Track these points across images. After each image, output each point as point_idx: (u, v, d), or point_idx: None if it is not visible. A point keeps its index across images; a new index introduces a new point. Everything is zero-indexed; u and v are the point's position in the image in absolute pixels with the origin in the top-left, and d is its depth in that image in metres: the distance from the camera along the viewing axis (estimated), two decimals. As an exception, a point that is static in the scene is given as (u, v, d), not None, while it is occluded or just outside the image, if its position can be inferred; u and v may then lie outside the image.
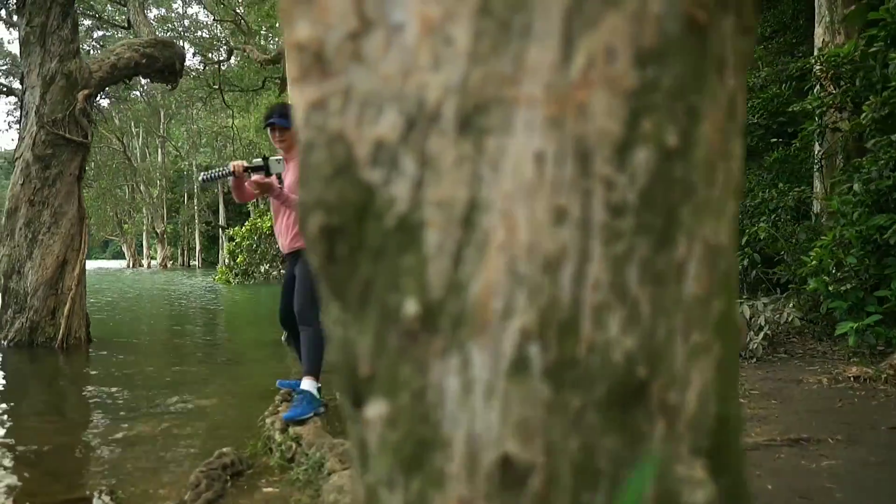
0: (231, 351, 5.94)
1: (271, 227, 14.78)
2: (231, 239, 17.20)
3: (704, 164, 0.57)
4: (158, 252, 35.54)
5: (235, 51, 10.72)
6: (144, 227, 37.06)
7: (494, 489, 0.53)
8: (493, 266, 0.50)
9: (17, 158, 5.79)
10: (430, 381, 0.52)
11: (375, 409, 0.55)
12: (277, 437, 2.64)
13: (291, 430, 2.61)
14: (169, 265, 35.04)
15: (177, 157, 35.44)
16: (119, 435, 3.06)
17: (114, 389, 4.24)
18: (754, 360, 4.56)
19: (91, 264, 37.15)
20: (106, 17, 14.35)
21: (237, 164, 3.13)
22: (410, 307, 0.51)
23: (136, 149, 33.78)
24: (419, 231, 0.51)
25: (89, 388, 4.27)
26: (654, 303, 0.54)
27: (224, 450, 2.41)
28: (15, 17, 8.76)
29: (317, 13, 0.51)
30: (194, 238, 36.49)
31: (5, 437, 3.05)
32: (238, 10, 10.41)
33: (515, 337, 0.51)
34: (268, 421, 2.91)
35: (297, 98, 0.55)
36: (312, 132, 0.53)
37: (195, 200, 35.46)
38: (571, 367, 0.52)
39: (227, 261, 16.94)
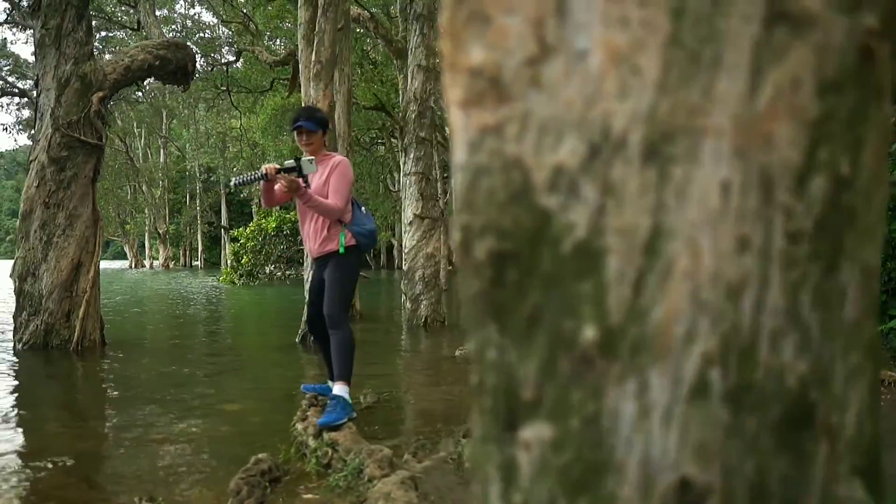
0: (245, 354, 5.94)
1: (276, 227, 14.75)
2: (235, 240, 17.19)
3: (865, 190, 0.57)
4: (160, 252, 35.53)
5: (244, 52, 10.73)
6: (146, 228, 37.04)
7: (669, 512, 0.53)
8: (676, 293, 0.50)
9: (31, 161, 5.79)
10: (604, 406, 0.53)
11: (537, 433, 0.56)
12: (311, 442, 2.64)
13: (326, 435, 2.61)
14: (171, 266, 35.02)
15: (179, 158, 35.43)
16: (147, 439, 3.06)
17: (134, 393, 4.25)
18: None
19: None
20: (115, 19, 14.35)
21: (270, 166, 3.12)
22: (588, 333, 0.52)
23: (138, 149, 33.77)
24: (599, 258, 0.51)
25: (109, 391, 4.28)
26: (822, 327, 0.55)
27: (261, 456, 2.42)
28: (23, 20, 8.76)
29: (493, 37, 0.51)
30: (196, 239, 36.47)
31: (33, 442, 3.05)
32: (245, 11, 10.42)
33: (697, 362, 0.51)
34: (299, 426, 2.91)
35: (461, 121, 0.56)
36: (485, 157, 0.53)
37: (197, 201, 35.45)
38: (749, 391, 0.53)
39: (229, 262, 16.94)
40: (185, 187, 36.81)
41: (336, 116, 7.29)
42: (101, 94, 5.84)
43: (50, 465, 2.65)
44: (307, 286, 6.10)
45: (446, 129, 17.40)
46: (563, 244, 0.52)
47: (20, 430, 3.25)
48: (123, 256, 45.78)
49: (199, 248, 36.12)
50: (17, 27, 10.68)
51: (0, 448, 2.92)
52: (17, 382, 4.47)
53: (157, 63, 6.38)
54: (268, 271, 16.59)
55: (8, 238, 65.39)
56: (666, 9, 0.48)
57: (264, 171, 3.08)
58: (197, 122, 30.56)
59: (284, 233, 16.17)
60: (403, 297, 7.65)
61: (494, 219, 0.53)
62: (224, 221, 33.98)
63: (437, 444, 2.81)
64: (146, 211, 35.33)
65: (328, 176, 3.12)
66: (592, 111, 0.50)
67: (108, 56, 8.96)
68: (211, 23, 12.73)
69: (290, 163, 3.16)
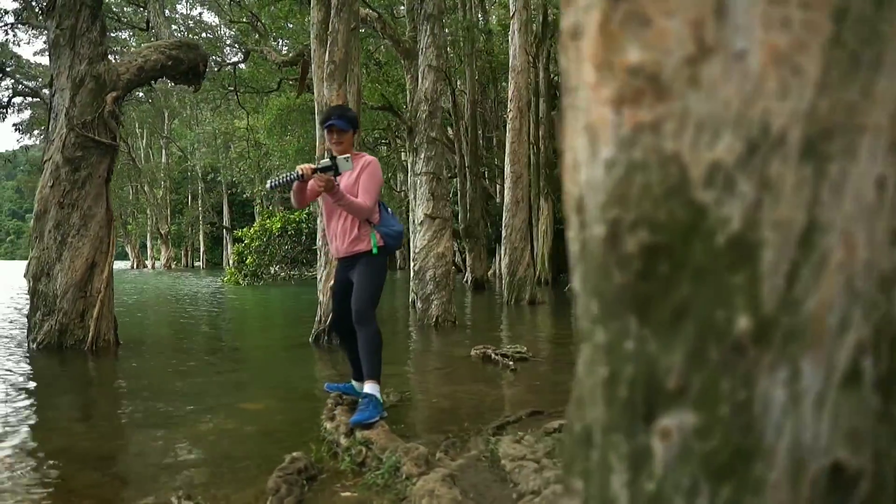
0: (260, 353, 5.96)
1: (281, 227, 14.70)
2: (239, 240, 17.19)
3: None
4: (162, 253, 35.51)
5: (252, 52, 10.75)
6: (148, 228, 37.02)
7: (819, 495, 0.55)
8: (830, 283, 0.52)
9: (46, 161, 5.80)
10: (755, 393, 0.54)
11: (679, 420, 0.58)
12: (343, 441, 2.66)
13: (358, 434, 2.62)
14: (172, 266, 35.00)
15: (180, 158, 35.42)
16: (174, 438, 3.08)
17: (154, 392, 4.26)
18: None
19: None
20: (124, 19, 14.32)
21: (306, 167, 3.11)
22: (742, 323, 0.54)
23: (139, 149, 33.76)
24: (754, 250, 0.53)
25: (129, 391, 4.29)
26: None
27: (296, 454, 2.43)
28: (34, 20, 8.76)
29: (652, 38, 0.53)
30: (198, 239, 36.46)
31: (60, 442, 3.05)
32: (252, 12, 10.44)
33: (850, 350, 0.53)
34: (328, 425, 2.92)
35: (612, 118, 0.57)
36: (640, 152, 0.55)
37: (199, 201, 35.46)
38: (897, 379, 0.55)
39: (231, 262, 16.92)
40: (186, 187, 36.81)
41: (346, 116, 7.29)
42: (114, 94, 5.86)
43: (80, 465, 2.67)
44: (321, 286, 6.12)
45: (450, 129, 17.19)
46: (717, 237, 0.54)
47: (46, 430, 3.26)
48: (125, 257, 45.73)
49: (202, 249, 36.11)
50: (26, 26, 10.68)
51: (29, 447, 2.94)
52: (36, 383, 4.48)
53: (169, 63, 6.39)
54: (272, 272, 16.60)
55: (8, 239, 65.35)
56: (829, 11, 0.50)
57: (300, 172, 3.08)
58: (199, 123, 30.56)
59: (289, 233, 16.19)
60: (413, 296, 7.66)
61: (649, 213, 0.55)
62: (226, 222, 33.98)
63: (466, 442, 2.83)
64: (148, 211, 35.30)
65: (358, 175, 3.13)
66: (751, 110, 0.52)
67: (114, 56, 8.91)
68: (213, 23, 12.75)
69: (325, 162, 3.14)
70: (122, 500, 2.31)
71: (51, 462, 2.70)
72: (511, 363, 4.82)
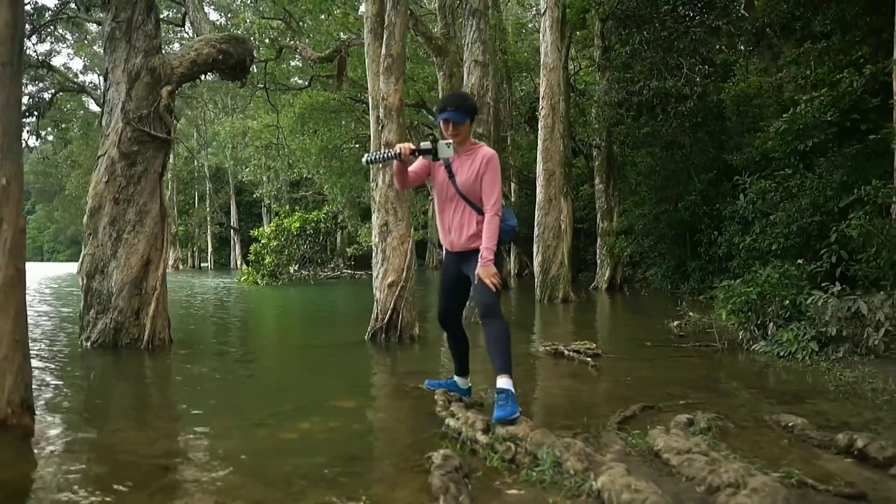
0: (320, 351, 5.82)
1: (300, 227, 14.56)
2: (256, 239, 17.03)
3: None
4: (170, 254, 35.25)
5: (284, 48, 10.65)
6: (154, 229, 36.64)
7: None
8: None
9: (100, 156, 5.68)
10: None
11: None
12: (481, 437, 2.55)
13: (501, 430, 2.52)
14: (180, 267, 34.77)
15: (188, 158, 35.21)
16: (282, 438, 2.96)
17: (234, 392, 4.16)
18: (873, 357, 4.51)
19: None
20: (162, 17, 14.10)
21: (405, 146, 3.00)
22: None
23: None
24: None
25: (208, 390, 4.18)
26: None
27: (445, 452, 2.33)
28: (84, 13, 8.65)
29: None
30: (206, 240, 36.23)
31: (172, 445, 2.94)
32: (286, 8, 10.34)
33: None
34: (451, 422, 2.82)
35: None
36: None
37: (207, 202, 35.23)
38: None
39: (240, 262, 16.76)
40: (193, 188, 36.57)
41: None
42: (169, 87, 5.75)
43: (208, 467, 2.55)
44: (377, 283, 6.01)
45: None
46: None
47: (150, 433, 3.11)
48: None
49: (209, 249, 35.88)
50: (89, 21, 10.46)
51: (150, 451, 2.81)
52: (111, 384, 4.37)
53: (220, 57, 6.27)
54: (291, 271, 16.45)
55: (10, 240, 64.59)
56: None
57: (398, 151, 2.98)
58: (206, 122, 30.36)
59: (308, 233, 16.05)
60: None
61: None
62: (234, 222, 33.78)
63: (598, 437, 2.73)
64: (154, 212, 34.91)
65: (479, 171, 3.01)
66: None
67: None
68: (241, 22, 12.58)
69: (426, 144, 3.02)
70: (276, 501, 2.20)
71: (179, 466, 2.59)
72: (589, 360, 4.72)
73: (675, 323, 7.03)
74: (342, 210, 19.91)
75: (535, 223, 10.66)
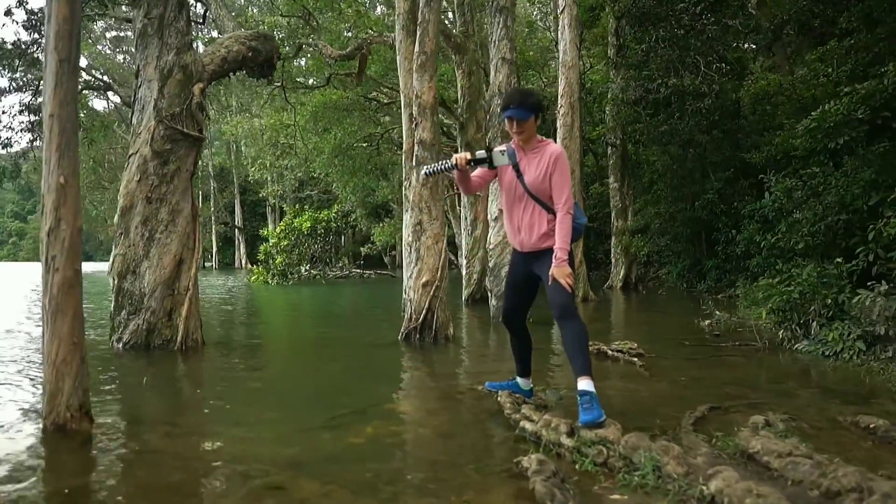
0: (356, 353, 5.74)
1: (312, 227, 14.43)
2: (265, 239, 16.92)
3: None
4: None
5: (304, 46, 10.56)
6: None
7: None
8: None
9: (132, 154, 5.60)
10: None
11: None
12: (565, 441, 2.49)
13: (589, 433, 2.46)
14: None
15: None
16: (350, 443, 2.89)
17: (282, 394, 4.09)
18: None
19: (106, 266, 36.66)
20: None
21: (460, 156, 3.04)
22: None
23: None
24: None
25: (255, 393, 4.11)
26: None
27: (538, 456, 2.27)
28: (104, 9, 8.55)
29: None
30: (210, 239, 36.11)
31: (234, 448, 2.87)
32: (306, 6, 10.25)
33: None
34: (527, 425, 2.76)
35: None
36: None
37: (211, 201, 35.09)
38: None
39: (244, 261, 16.65)
40: (198, 187, 36.41)
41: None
42: (201, 84, 5.67)
43: (286, 473, 2.48)
44: (411, 283, 5.95)
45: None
46: None
47: (213, 438, 3.02)
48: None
49: (214, 249, 35.73)
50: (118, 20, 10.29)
51: (220, 457, 2.74)
52: (155, 386, 4.30)
53: (249, 54, 6.21)
54: (303, 271, 16.35)
55: (10, 241, 64.56)
56: None
57: (455, 162, 3.03)
58: (213, 121, 30.15)
59: (318, 233, 15.96)
60: (489, 293, 7.50)
61: None
62: (238, 222, 33.64)
63: (677, 439, 2.67)
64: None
65: (547, 169, 2.95)
66: None
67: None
68: (261, 19, 12.43)
69: (481, 153, 3.08)
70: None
71: (257, 468, 2.51)
72: (635, 360, 4.67)
73: (707, 322, 6.98)
74: (354, 209, 19.82)
75: (554, 222, 10.59)
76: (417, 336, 5.82)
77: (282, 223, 17.15)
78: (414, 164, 5.84)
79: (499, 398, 3.29)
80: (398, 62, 6.24)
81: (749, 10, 12.04)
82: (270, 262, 15.94)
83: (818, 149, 7.74)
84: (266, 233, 17.03)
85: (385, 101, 14.56)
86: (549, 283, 2.91)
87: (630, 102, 11.78)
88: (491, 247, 7.32)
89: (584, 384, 2.68)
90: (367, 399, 3.84)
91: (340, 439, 2.95)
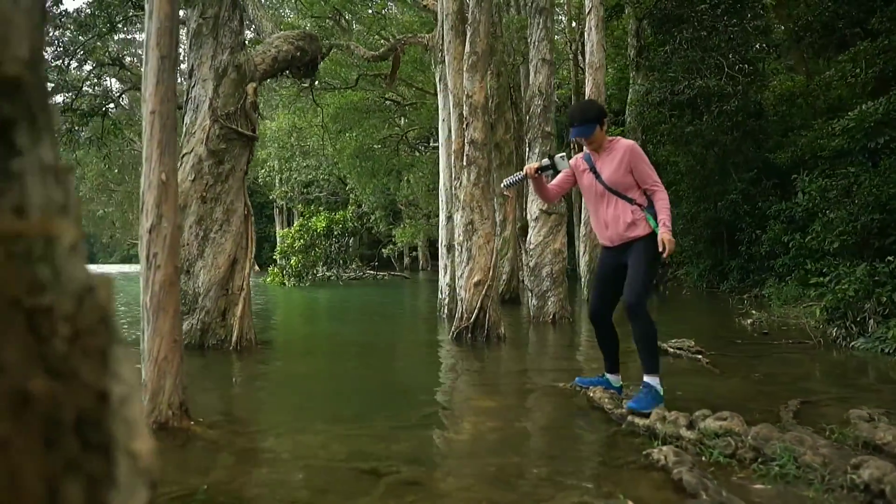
0: (411, 351, 5.75)
1: (327, 226, 14.44)
2: (273, 242, 16.91)
3: None
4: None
5: (335, 47, 10.56)
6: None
7: None
8: None
9: (185, 154, 5.61)
10: None
11: None
12: (685, 433, 2.51)
13: (714, 424, 2.48)
14: (189, 269, 34.53)
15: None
16: (454, 440, 2.91)
17: (355, 393, 4.10)
18: None
19: (111, 268, 36.56)
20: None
21: (529, 167, 3.36)
22: None
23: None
24: None
25: (330, 392, 4.12)
26: None
27: (671, 448, 2.29)
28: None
29: None
30: (216, 241, 35.94)
31: (374, 445, 2.88)
32: (336, 7, 10.27)
33: None
34: (636, 419, 2.78)
35: None
36: None
37: (218, 203, 34.92)
38: None
39: (256, 261, 16.58)
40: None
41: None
42: (254, 84, 5.69)
43: (408, 468, 2.49)
44: (463, 283, 5.96)
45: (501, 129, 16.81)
46: None
47: (316, 436, 3.01)
48: (130, 260, 45.15)
49: (219, 251, 35.54)
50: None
51: (329, 454, 2.75)
52: (229, 385, 4.30)
53: (297, 54, 6.23)
54: (318, 272, 16.34)
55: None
56: None
57: (525, 173, 3.36)
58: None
59: (334, 234, 15.96)
60: (529, 293, 7.52)
61: None
62: (244, 224, 33.45)
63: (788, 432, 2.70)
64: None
65: (624, 163, 3.09)
66: None
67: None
68: (289, 18, 12.39)
69: (545, 162, 3.45)
70: (513, 501, 2.15)
71: (382, 465, 2.52)
72: (699, 357, 4.70)
73: (749, 321, 7.01)
74: (373, 211, 19.82)
75: (582, 222, 10.62)
76: (469, 335, 5.83)
77: (296, 223, 17.15)
78: (465, 163, 5.86)
79: (591, 394, 3.31)
80: (447, 62, 6.26)
81: (758, 10, 12.10)
82: (285, 262, 15.93)
83: (856, 149, 7.80)
84: (281, 233, 17.01)
85: (405, 102, 14.55)
86: (628, 276, 2.98)
87: (655, 104, 11.82)
88: (531, 247, 7.34)
89: (648, 379, 2.77)
90: (447, 396, 3.85)
91: (442, 436, 2.97)
